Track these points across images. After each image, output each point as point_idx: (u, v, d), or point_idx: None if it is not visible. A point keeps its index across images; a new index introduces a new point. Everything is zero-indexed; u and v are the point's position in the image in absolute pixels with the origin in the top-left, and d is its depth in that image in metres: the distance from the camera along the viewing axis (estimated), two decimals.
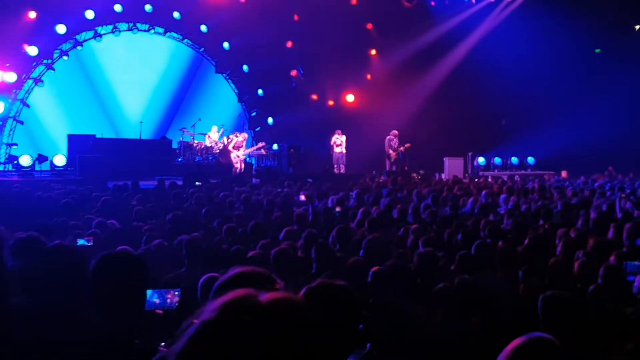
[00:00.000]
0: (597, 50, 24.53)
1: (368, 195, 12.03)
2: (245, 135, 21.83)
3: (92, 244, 6.45)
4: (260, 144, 22.46)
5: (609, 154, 22.13)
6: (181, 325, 1.22)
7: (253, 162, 22.61)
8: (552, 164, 23.15)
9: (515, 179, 20.37)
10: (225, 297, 1.16)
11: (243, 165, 20.73)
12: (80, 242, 6.48)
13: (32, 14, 19.48)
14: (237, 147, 20.80)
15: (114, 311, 2.48)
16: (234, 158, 20.62)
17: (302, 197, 11.63)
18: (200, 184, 14.67)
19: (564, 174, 21.96)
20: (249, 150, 21.82)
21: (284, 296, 1.17)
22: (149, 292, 3.49)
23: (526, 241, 6.79)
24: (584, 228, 7.98)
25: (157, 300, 3.69)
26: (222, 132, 22.03)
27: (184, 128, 21.59)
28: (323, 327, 1.17)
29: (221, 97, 25.17)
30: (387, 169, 20.83)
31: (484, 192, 12.24)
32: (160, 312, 3.61)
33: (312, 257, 5.96)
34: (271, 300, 1.15)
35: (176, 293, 3.77)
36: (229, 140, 21.27)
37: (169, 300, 3.72)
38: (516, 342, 1.84)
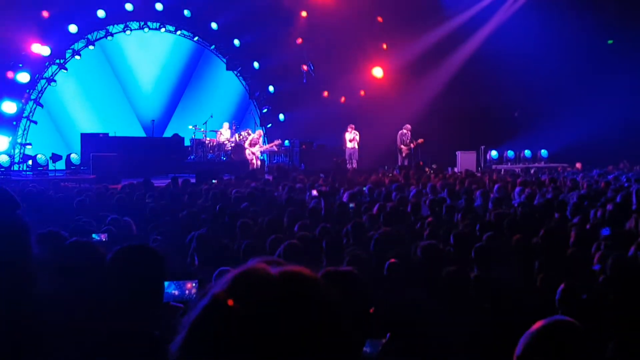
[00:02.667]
0: (610, 42, 24.28)
1: (379, 190, 11.99)
2: (260, 132, 21.88)
3: (106, 239, 6.47)
4: (276, 142, 22.46)
5: (623, 145, 21.91)
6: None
7: (265, 158, 22.64)
8: (565, 157, 22.97)
9: (531, 172, 20.26)
10: (236, 270, 1.15)
11: (259, 162, 20.76)
12: (94, 237, 6.51)
13: (45, 14, 19.58)
14: (252, 144, 20.84)
15: (132, 303, 2.50)
16: (249, 155, 20.64)
17: (314, 193, 11.60)
18: (216, 181, 14.70)
19: (578, 165, 21.80)
20: (265, 147, 21.83)
21: (296, 269, 1.15)
22: (166, 283, 3.51)
23: (541, 232, 6.74)
24: (600, 220, 7.92)
25: (175, 292, 3.71)
26: (235, 129, 22.05)
27: (196, 125, 21.63)
28: (337, 303, 1.15)
29: (232, 94, 25.21)
30: (399, 163, 20.76)
31: (496, 186, 12.16)
32: (180, 304, 3.62)
33: (322, 251, 5.97)
34: (283, 273, 1.13)
35: (194, 284, 3.79)
36: (243, 137, 21.30)
37: (187, 292, 3.74)
38: (538, 324, 1.82)
